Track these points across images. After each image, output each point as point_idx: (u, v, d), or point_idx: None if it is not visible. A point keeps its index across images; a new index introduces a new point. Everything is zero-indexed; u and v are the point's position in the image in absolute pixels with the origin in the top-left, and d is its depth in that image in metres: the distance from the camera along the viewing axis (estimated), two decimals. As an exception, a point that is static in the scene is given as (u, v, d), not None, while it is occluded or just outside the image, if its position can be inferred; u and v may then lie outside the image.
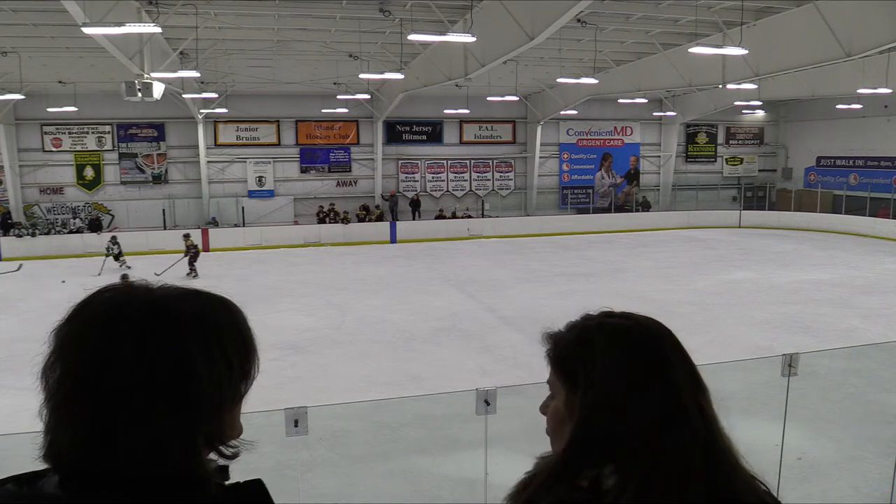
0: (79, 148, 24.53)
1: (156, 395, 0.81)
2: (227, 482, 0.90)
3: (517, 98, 23.69)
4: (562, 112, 26.29)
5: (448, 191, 28.14)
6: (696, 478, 0.91)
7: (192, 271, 18.15)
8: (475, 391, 4.80)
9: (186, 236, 18.60)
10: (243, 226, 24.97)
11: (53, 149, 24.28)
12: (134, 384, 0.81)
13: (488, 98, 23.82)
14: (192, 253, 18.28)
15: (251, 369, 0.93)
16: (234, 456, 0.92)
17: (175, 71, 15.83)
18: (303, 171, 26.61)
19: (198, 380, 0.84)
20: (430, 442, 7.77)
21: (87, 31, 10.35)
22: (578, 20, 13.93)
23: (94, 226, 24.00)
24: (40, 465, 0.85)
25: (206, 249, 23.02)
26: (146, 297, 0.87)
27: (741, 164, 31.52)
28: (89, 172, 24.69)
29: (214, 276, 17.82)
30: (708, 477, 0.92)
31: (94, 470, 0.80)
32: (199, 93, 21.89)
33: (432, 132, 27.75)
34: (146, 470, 0.80)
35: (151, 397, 0.81)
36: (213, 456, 0.91)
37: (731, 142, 31.50)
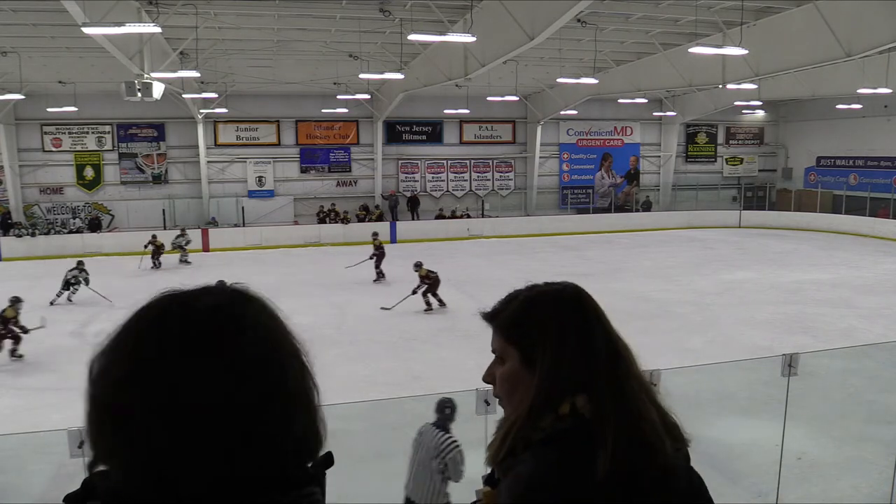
0: (79, 148, 24.53)
1: (247, 408, 0.78)
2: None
3: (517, 98, 23.69)
4: (562, 112, 26.29)
5: (448, 191, 28.14)
6: (644, 392, 1.16)
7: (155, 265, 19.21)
8: (475, 391, 4.80)
9: (154, 237, 19.71)
10: (243, 226, 24.97)
11: (53, 149, 24.28)
12: (228, 395, 0.77)
13: (488, 98, 23.82)
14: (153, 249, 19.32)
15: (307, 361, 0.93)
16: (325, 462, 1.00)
17: (175, 71, 15.83)
18: (303, 171, 26.61)
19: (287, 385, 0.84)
20: (430, 442, 7.76)
21: (87, 31, 10.35)
22: (578, 20, 13.93)
23: (94, 226, 24.01)
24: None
25: (207, 249, 23.04)
26: (228, 306, 0.84)
27: (741, 164, 31.52)
28: (89, 172, 24.69)
29: (214, 277, 17.76)
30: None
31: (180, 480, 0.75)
32: (199, 93, 21.89)
33: (432, 132, 27.75)
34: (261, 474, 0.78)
35: (242, 411, 0.77)
36: None
37: (731, 142, 31.50)
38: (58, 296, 14.95)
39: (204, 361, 0.77)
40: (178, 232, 21.06)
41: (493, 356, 1.23)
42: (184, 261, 20.29)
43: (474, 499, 1.22)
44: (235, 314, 0.83)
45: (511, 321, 1.20)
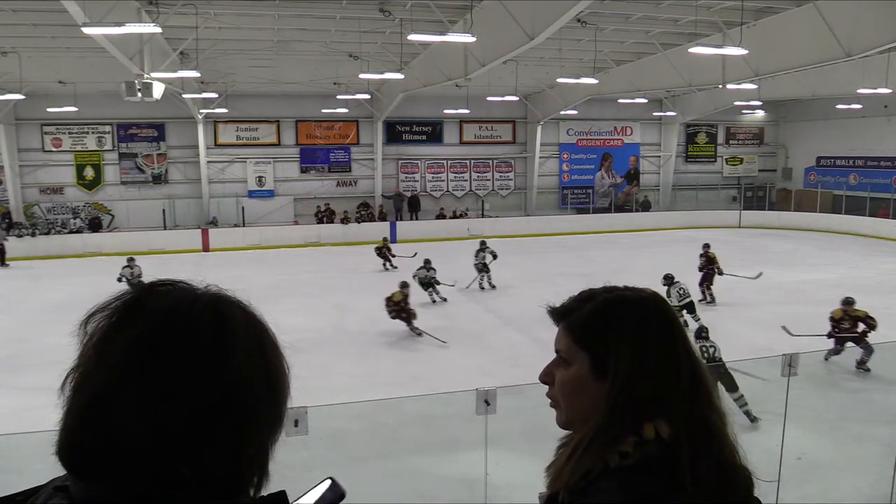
0: (79, 148, 24.53)
1: (223, 408, 0.77)
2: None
3: (517, 98, 23.69)
4: (562, 112, 26.29)
5: (448, 191, 28.14)
6: (721, 421, 1.07)
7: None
8: (475, 391, 4.80)
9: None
10: (243, 226, 24.97)
11: (53, 149, 24.28)
12: (199, 389, 0.76)
13: (488, 98, 23.82)
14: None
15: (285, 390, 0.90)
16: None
17: (175, 71, 15.83)
18: (303, 171, 26.61)
19: (275, 388, 0.83)
20: (430, 442, 7.77)
21: (87, 31, 10.36)
22: (578, 20, 13.93)
23: (95, 226, 24.02)
24: (42, 463, 0.84)
25: (207, 249, 23.05)
26: (204, 298, 0.84)
27: (741, 164, 31.52)
28: (89, 172, 24.69)
29: (214, 277, 17.77)
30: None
31: (146, 470, 0.74)
32: (199, 93, 21.89)
33: (432, 132, 27.75)
34: (208, 475, 0.76)
35: (210, 406, 0.77)
36: None
37: (731, 142, 31.50)
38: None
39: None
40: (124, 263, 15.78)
41: (553, 354, 1.15)
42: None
43: (474, 499, 1.19)
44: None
45: (584, 323, 1.10)
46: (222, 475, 0.78)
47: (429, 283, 14.91)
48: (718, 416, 1.07)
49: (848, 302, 10.35)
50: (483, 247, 17.04)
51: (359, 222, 25.45)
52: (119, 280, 13.85)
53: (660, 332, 1.07)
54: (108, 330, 0.79)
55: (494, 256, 16.91)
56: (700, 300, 14.53)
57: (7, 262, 20.27)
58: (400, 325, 12.53)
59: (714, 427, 1.05)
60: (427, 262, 15.24)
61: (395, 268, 18.52)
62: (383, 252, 19.24)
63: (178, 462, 0.74)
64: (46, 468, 0.84)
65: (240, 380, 0.79)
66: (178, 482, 0.74)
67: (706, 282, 15.10)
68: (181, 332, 0.78)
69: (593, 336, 1.08)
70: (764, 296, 15.35)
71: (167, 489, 0.74)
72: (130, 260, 15.05)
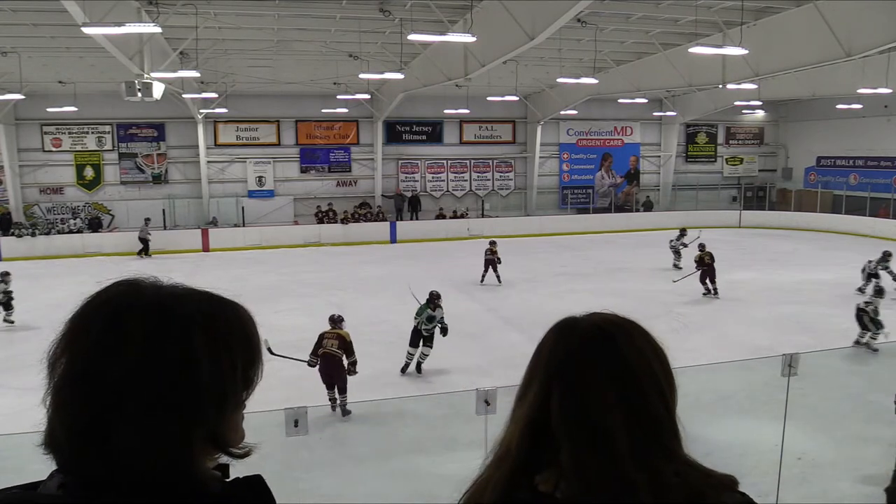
0: (79, 148, 24.53)
1: (155, 396, 0.80)
2: (228, 479, 0.90)
3: (517, 98, 23.68)
4: (562, 112, 26.29)
5: (448, 191, 28.14)
6: None
7: None
8: (475, 391, 4.81)
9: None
10: (243, 226, 24.97)
11: (53, 149, 24.28)
12: (133, 383, 0.80)
13: (488, 98, 23.82)
14: None
15: (255, 376, 0.92)
16: (243, 455, 0.91)
17: (175, 71, 15.82)
18: (303, 171, 26.61)
19: (200, 383, 0.83)
20: (430, 442, 7.77)
21: (87, 31, 10.35)
22: (578, 20, 13.93)
23: (94, 226, 24.02)
24: (42, 463, 0.85)
25: (207, 249, 23.05)
26: (155, 295, 0.87)
27: (741, 164, 31.52)
28: (89, 172, 24.69)
29: (214, 277, 17.82)
30: None
31: (94, 467, 0.80)
32: (199, 93, 21.89)
33: (432, 132, 27.75)
34: (141, 469, 0.80)
35: (151, 397, 0.80)
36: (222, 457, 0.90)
37: (731, 142, 31.50)
38: None
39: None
40: None
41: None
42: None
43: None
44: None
45: None
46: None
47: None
48: None
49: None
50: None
51: (357, 221, 25.45)
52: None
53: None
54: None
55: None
56: (704, 294, 15.55)
57: None
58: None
59: None
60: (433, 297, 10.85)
61: (500, 283, 16.88)
62: (492, 259, 17.24)
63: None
64: (46, 468, 0.84)
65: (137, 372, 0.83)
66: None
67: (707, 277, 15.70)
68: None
69: None
70: (764, 296, 15.36)
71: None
72: (4, 274, 13.76)
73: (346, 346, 8.78)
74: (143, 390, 0.80)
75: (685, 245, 18.73)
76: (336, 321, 9.18)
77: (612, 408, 0.96)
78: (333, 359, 8.70)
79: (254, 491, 0.89)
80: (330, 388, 8.69)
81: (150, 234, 22.15)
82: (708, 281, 15.56)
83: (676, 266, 18.34)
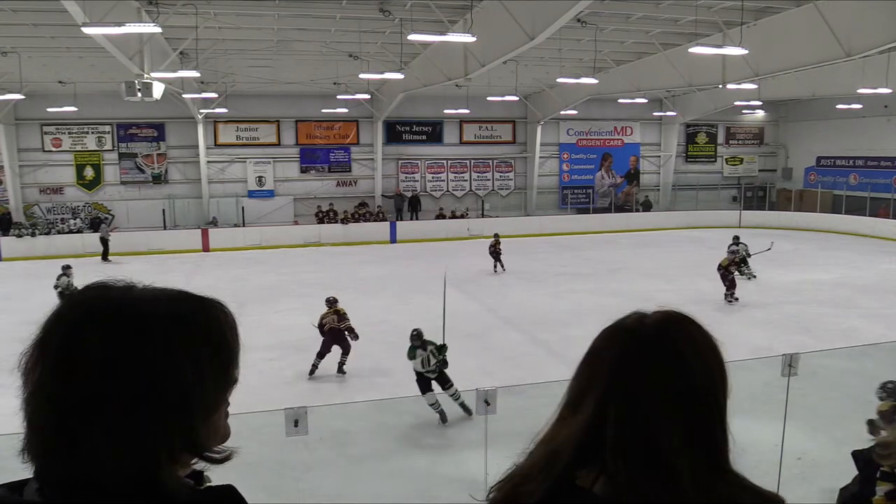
0: (79, 148, 24.53)
1: (118, 402, 0.79)
2: (202, 486, 0.88)
3: (517, 98, 23.68)
4: (562, 112, 26.29)
5: (448, 191, 28.14)
6: None
7: None
8: (475, 391, 4.81)
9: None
10: (243, 226, 24.97)
11: (53, 149, 24.29)
12: (95, 390, 0.79)
13: (488, 98, 23.82)
14: None
15: (230, 376, 0.89)
16: (222, 460, 0.89)
17: (175, 71, 15.82)
18: (303, 171, 26.61)
19: (163, 386, 0.81)
20: (430, 442, 7.77)
21: (87, 31, 10.35)
22: (578, 20, 13.92)
23: (95, 226, 24.01)
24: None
25: (207, 250, 23.05)
26: (118, 300, 0.85)
27: (741, 164, 31.52)
28: (89, 172, 24.69)
29: (214, 277, 17.83)
30: None
31: (63, 474, 0.80)
32: (199, 93, 21.89)
33: (432, 132, 27.75)
34: (110, 476, 0.79)
35: (113, 404, 0.79)
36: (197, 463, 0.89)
37: (731, 142, 31.50)
38: None
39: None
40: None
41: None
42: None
43: (474, 499, 1.17)
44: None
45: None
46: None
47: None
48: None
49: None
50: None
51: (357, 221, 25.45)
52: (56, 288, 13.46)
53: None
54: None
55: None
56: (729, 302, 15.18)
57: None
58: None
59: None
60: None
61: (504, 270, 18.57)
62: (496, 250, 18.77)
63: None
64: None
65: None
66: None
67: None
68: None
69: None
70: (764, 296, 15.36)
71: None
72: (66, 268, 14.00)
73: (342, 316, 10.38)
74: (104, 397, 0.79)
75: (749, 254, 17.26)
76: (332, 303, 10.65)
77: (674, 431, 0.92)
78: (336, 331, 10.31)
79: (224, 501, 0.86)
80: (322, 356, 10.27)
81: (110, 235, 21.78)
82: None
83: (751, 276, 17.07)
